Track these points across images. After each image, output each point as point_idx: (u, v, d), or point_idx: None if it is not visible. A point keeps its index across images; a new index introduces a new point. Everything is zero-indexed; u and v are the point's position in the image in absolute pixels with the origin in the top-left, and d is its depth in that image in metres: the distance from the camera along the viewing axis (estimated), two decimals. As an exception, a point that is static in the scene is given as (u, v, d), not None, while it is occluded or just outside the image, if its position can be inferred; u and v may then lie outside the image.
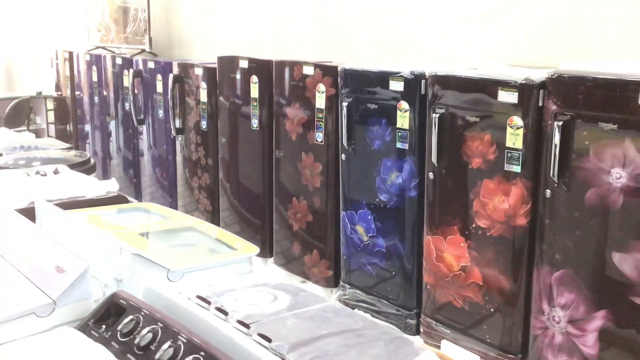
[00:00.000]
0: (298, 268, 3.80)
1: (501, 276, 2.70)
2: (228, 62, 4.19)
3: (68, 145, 3.81)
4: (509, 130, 2.55)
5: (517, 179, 2.57)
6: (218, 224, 4.53)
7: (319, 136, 3.54)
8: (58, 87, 6.94)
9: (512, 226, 2.63)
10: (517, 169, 2.56)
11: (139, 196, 5.46)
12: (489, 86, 2.61)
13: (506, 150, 2.58)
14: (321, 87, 3.48)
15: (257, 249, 2.24)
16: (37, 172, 2.94)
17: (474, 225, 2.75)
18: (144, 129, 5.25)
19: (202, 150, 4.54)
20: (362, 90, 3.22)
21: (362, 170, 3.29)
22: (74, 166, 3.19)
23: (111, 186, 2.85)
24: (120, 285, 1.94)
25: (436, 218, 2.93)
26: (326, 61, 3.86)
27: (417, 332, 3.13)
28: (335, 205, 3.55)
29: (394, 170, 3.11)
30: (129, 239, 2.23)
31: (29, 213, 2.55)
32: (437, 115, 2.80)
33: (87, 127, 6.33)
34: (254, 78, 3.96)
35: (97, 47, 6.44)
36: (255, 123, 4.01)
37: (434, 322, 3.03)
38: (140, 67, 5.18)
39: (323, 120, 3.50)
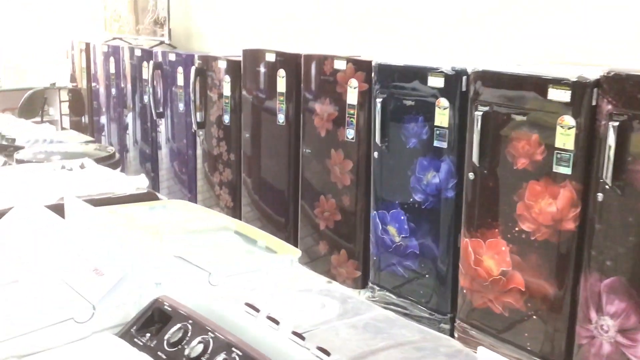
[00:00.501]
0: (324, 267, 3.69)
1: (545, 282, 2.59)
2: (253, 56, 4.08)
3: (90, 138, 3.71)
4: (559, 130, 2.44)
5: (567, 181, 2.45)
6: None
7: (350, 133, 3.43)
8: (73, 79, 6.85)
9: (559, 230, 2.51)
10: (566, 170, 2.45)
11: (156, 190, 5.36)
12: (538, 83, 2.49)
13: (555, 151, 2.46)
14: (353, 82, 3.36)
15: (298, 252, 2.14)
16: (63, 167, 2.84)
17: (517, 229, 2.64)
18: (162, 122, 5.15)
19: (224, 145, 4.44)
20: (397, 86, 3.10)
21: (395, 169, 3.18)
22: (98, 160, 3.09)
23: (140, 182, 2.75)
24: (160, 289, 1.84)
25: (475, 220, 2.82)
26: (354, 55, 3.75)
27: (451, 337, 3.02)
28: (365, 204, 3.44)
29: (431, 170, 3.00)
30: (167, 239, 2.13)
31: (58, 210, 2.45)
32: (480, 113, 2.69)
33: (103, 119, 6.23)
34: (281, 72, 3.85)
35: (114, 38, 6.34)
36: (281, 118, 3.90)
37: (469, 327, 2.92)
38: (160, 59, 5.08)
39: (354, 116, 3.39)
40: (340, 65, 3.42)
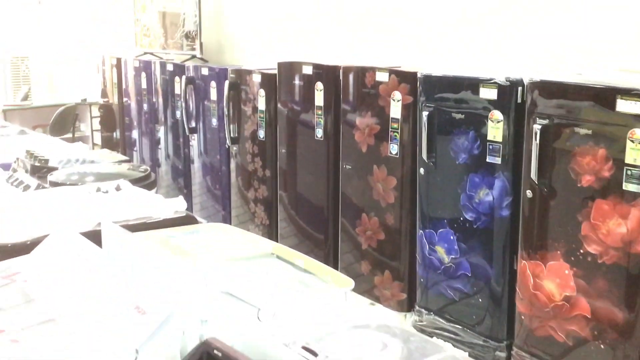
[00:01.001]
0: (366, 288, 3.52)
1: (614, 308, 2.39)
2: (289, 68, 3.95)
3: (123, 157, 3.59)
4: (629, 144, 2.25)
5: (638, 200, 2.26)
6: (275, 238, 4.29)
7: (394, 148, 3.26)
8: (104, 94, 6.79)
9: (629, 253, 2.31)
10: (637, 188, 2.25)
11: (189, 207, 5.24)
12: (605, 94, 2.31)
13: (625, 167, 2.27)
14: (397, 94, 3.20)
15: (351, 282, 1.98)
16: (99, 189, 2.72)
17: (581, 251, 2.45)
18: (195, 137, 5.04)
19: (259, 160, 4.31)
20: (445, 98, 2.94)
21: (444, 186, 3.00)
22: (133, 182, 2.97)
23: (178, 205, 2.62)
24: (205, 327, 1.70)
25: (534, 241, 2.63)
26: (395, 66, 3.59)
27: (508, 366, 2.84)
28: (410, 223, 3.27)
29: (483, 187, 2.82)
30: (210, 270, 1.99)
31: (95, 237, 2.33)
32: (539, 126, 2.51)
33: (135, 135, 6.16)
34: (319, 85, 3.71)
35: (145, 53, 6.27)
36: (319, 133, 3.76)
37: (528, 356, 2.72)
38: (192, 73, 4.98)
39: (398, 130, 3.23)
40: (382, 77, 3.27)
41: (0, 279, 1.99)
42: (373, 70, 3.32)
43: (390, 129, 3.26)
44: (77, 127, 7.63)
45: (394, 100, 3.22)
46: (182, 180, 5.33)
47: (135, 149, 6.20)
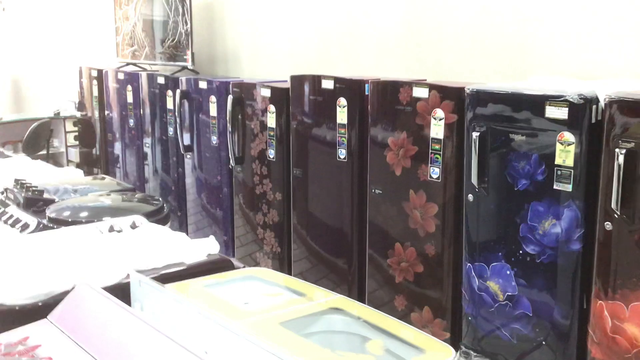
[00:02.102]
0: (398, 325, 3.18)
1: None
2: (305, 82, 3.60)
3: (128, 186, 3.18)
4: None
5: None
6: (289, 268, 3.93)
7: (435, 172, 2.94)
8: (82, 107, 6.33)
9: None
10: None
11: (183, 228, 4.85)
12: None
13: None
14: (439, 112, 2.88)
15: (451, 351, 1.65)
16: (112, 228, 2.33)
17: (677, 292, 2.16)
18: (190, 156, 4.64)
19: (269, 182, 3.94)
20: (500, 117, 2.62)
21: (498, 214, 2.69)
22: (147, 216, 2.58)
23: (210, 247, 2.25)
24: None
25: (614, 279, 2.33)
26: (420, 80, 3.28)
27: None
28: (455, 255, 2.95)
29: (549, 217, 2.51)
30: (267, 334, 1.63)
31: (122, 291, 1.94)
32: (623, 150, 2.21)
33: (118, 151, 5.72)
34: (342, 100, 3.36)
35: (128, 64, 5.84)
36: (342, 153, 3.41)
37: (604, 407, 2.42)
38: (187, 87, 4.58)
39: (440, 152, 2.90)
40: (421, 93, 2.94)
41: (17, 357, 1.60)
42: (409, 85, 2.99)
43: (430, 151, 2.94)
44: (51, 143, 7.12)
45: (435, 118, 2.90)
46: (175, 200, 4.92)
47: (117, 165, 5.75)
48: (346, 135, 3.38)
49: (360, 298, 3.47)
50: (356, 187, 3.41)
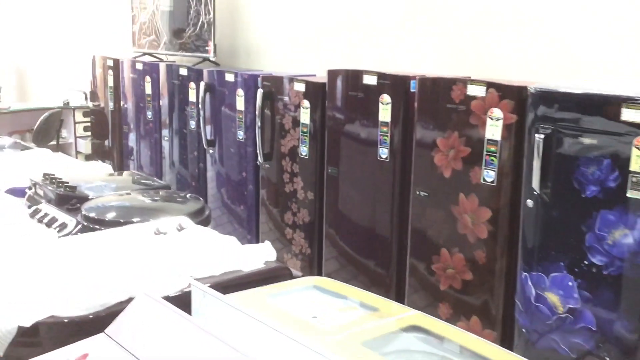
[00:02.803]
0: (440, 334, 3.04)
1: None
2: (344, 77, 3.43)
3: (162, 183, 2.99)
4: None
5: None
6: (318, 269, 3.78)
7: (489, 175, 2.79)
8: (95, 97, 6.14)
9: None
10: None
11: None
12: None
13: None
14: (496, 112, 2.73)
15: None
16: (158, 231, 2.17)
17: None
18: (213, 151, 4.48)
19: (300, 181, 3.78)
20: (568, 118, 2.47)
21: (562, 222, 2.53)
22: (189, 217, 2.42)
23: (267, 253, 2.09)
24: None
25: (693, 295, 2.19)
26: (464, 76, 3.13)
27: None
28: (509, 262, 2.80)
29: (620, 227, 2.36)
30: (352, 355, 1.48)
31: (182, 301, 1.78)
32: None
33: (132, 143, 5.53)
34: (385, 97, 3.20)
35: (144, 54, 5.66)
36: (383, 152, 3.25)
37: None
38: (210, 79, 4.41)
39: (497, 154, 2.75)
40: (476, 91, 2.79)
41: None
42: (463, 82, 2.84)
43: (485, 152, 2.79)
44: (60, 134, 6.94)
45: (491, 118, 2.74)
46: (198, 193, 4.74)
47: (132, 157, 5.57)
48: (388, 134, 3.23)
49: (399, 302, 3.32)
50: (397, 189, 3.25)
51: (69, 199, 2.54)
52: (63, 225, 2.23)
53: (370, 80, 3.27)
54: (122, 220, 2.31)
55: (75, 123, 6.90)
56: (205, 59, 4.97)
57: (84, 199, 2.58)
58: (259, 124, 3.92)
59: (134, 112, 5.40)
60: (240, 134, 4.19)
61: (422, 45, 3.72)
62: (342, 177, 3.51)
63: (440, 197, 3.00)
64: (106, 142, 6.07)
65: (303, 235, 3.82)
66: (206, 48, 4.93)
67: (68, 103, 6.89)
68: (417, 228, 3.14)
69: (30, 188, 2.76)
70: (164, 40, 5.36)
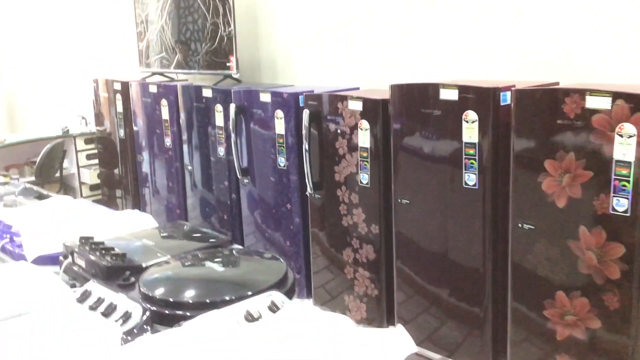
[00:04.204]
0: (556, 390, 2.57)
1: None
2: (416, 92, 2.94)
3: (221, 236, 2.45)
4: None
5: None
6: (389, 313, 3.30)
7: (620, 204, 2.31)
8: (100, 123, 5.61)
9: None
10: None
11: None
12: None
13: None
14: (628, 128, 2.25)
15: None
16: (250, 315, 1.67)
17: None
18: (249, 181, 3.97)
19: (361, 213, 3.29)
20: None
21: None
22: (276, 288, 1.92)
23: (403, 342, 1.59)
24: None
25: None
26: (576, 85, 2.66)
27: None
28: (651, 307, 2.34)
29: None
30: None
31: None
32: None
33: (146, 172, 5.01)
34: (470, 114, 2.72)
35: (153, 74, 5.15)
36: (470, 179, 2.77)
37: None
38: (241, 100, 3.91)
39: (629, 179, 2.28)
40: (599, 103, 2.31)
41: None
42: (580, 93, 2.36)
43: (613, 177, 2.31)
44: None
45: (621, 136, 2.27)
46: (229, 231, 4.24)
47: (146, 185, 5.04)
48: (476, 157, 2.74)
49: (497, 353, 2.85)
50: (489, 220, 2.77)
51: (121, 271, 2.03)
52: (126, 316, 1.73)
53: (449, 94, 2.79)
54: (201, 301, 1.80)
55: (77, 152, 6.35)
56: (227, 77, 4.46)
57: (138, 269, 2.07)
58: (307, 147, 3.43)
59: (147, 139, 4.88)
60: (282, 161, 3.69)
61: (491, 50, 3.25)
62: (416, 208, 3.03)
63: (552, 231, 2.52)
64: (116, 171, 5.55)
65: (367, 274, 3.33)
66: (227, 64, 4.42)
67: (67, 130, 6.34)
68: (520, 267, 2.65)
69: (65, 256, 2.25)
70: (177, 57, 4.85)
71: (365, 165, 3.23)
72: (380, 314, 3.33)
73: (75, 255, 2.21)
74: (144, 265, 2.12)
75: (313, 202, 3.55)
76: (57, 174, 5.97)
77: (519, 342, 2.71)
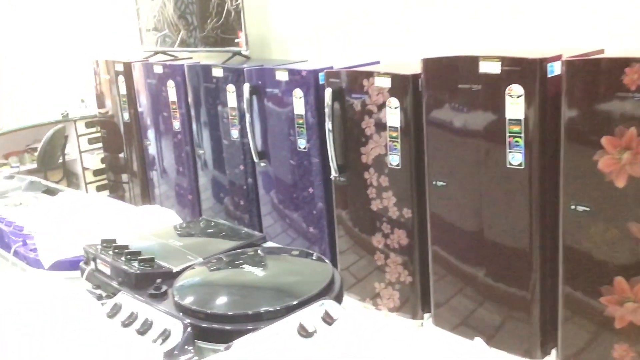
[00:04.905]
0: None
1: None
2: (452, 66, 2.72)
3: (255, 233, 2.25)
4: None
5: None
6: (424, 300, 3.13)
7: (690, 182, 2.12)
8: (101, 105, 5.36)
9: None
10: None
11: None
12: None
13: None
14: (699, 100, 2.06)
15: None
16: (304, 329, 1.49)
17: None
18: (267, 165, 3.77)
19: (392, 196, 3.09)
20: None
21: None
22: (325, 294, 1.73)
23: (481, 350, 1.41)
24: None
25: None
26: (587, 52, 2.46)
27: None
28: None
29: None
30: None
31: None
32: None
33: (152, 153, 4.79)
34: (515, 89, 2.51)
35: (156, 53, 4.90)
36: (515, 158, 2.57)
37: None
38: (256, 79, 3.68)
39: (701, 155, 2.08)
40: (665, 74, 2.11)
41: None
42: (642, 63, 2.15)
43: (681, 154, 2.12)
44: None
45: (691, 108, 2.07)
46: (246, 216, 4.04)
47: (155, 168, 4.82)
48: (522, 135, 2.54)
49: (547, 335, 2.68)
50: (536, 202, 2.58)
51: (152, 279, 1.84)
52: (165, 334, 1.54)
53: (490, 67, 2.57)
54: (246, 314, 1.62)
55: (78, 136, 6.11)
56: (236, 54, 4.22)
57: (168, 275, 1.88)
58: (330, 127, 3.21)
59: (153, 121, 4.65)
60: (302, 143, 3.49)
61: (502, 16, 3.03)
62: (453, 190, 2.83)
63: (610, 213, 2.33)
64: (121, 155, 5.32)
65: (400, 260, 3.15)
66: (236, 40, 4.18)
67: (67, 115, 6.09)
68: (573, 250, 2.47)
69: (86, 262, 2.06)
70: (180, 35, 4.60)
71: (395, 145, 3.02)
72: (414, 300, 3.15)
73: (97, 260, 2.01)
74: (174, 270, 1.93)
75: (337, 185, 3.36)
76: (60, 160, 5.75)
77: (571, 329, 2.54)
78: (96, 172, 6.04)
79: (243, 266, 1.89)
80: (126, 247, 2.01)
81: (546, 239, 2.62)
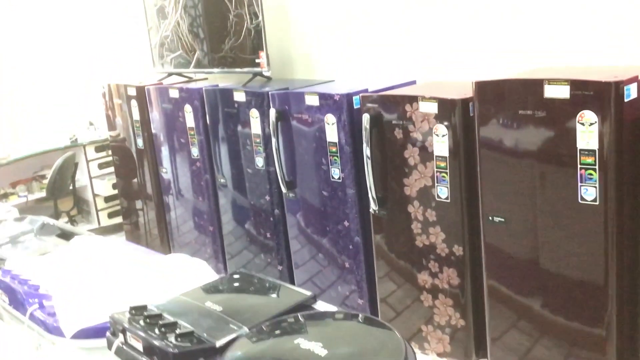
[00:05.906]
0: None
1: None
2: (511, 89, 2.44)
3: (304, 292, 1.96)
4: None
5: None
6: (478, 346, 2.84)
7: None
8: (112, 128, 5.09)
9: None
10: None
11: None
12: None
13: None
14: None
15: None
16: None
17: None
18: (295, 196, 3.49)
19: (440, 232, 2.81)
20: None
21: None
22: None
23: None
24: None
25: None
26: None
27: None
28: None
29: None
30: None
31: None
32: None
33: (168, 184, 4.52)
34: (587, 115, 2.23)
35: (169, 75, 4.64)
36: (589, 193, 2.29)
37: None
38: (280, 103, 3.41)
39: None
40: None
41: None
42: None
43: None
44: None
45: None
46: (276, 251, 3.75)
47: (170, 192, 4.54)
48: (596, 167, 2.26)
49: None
50: (612, 240, 2.30)
51: (191, 357, 1.57)
52: None
53: (557, 91, 2.29)
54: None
55: (88, 162, 5.84)
56: (257, 74, 3.95)
57: (211, 351, 1.60)
58: (369, 154, 2.94)
59: (169, 148, 4.38)
60: (336, 172, 3.21)
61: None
62: (513, 227, 2.54)
63: None
64: (134, 181, 5.04)
65: (451, 302, 2.86)
66: (256, 61, 3.91)
67: (76, 139, 5.82)
68: (658, 297, 2.19)
69: (113, 333, 1.78)
70: (196, 55, 4.33)
71: (444, 177, 2.74)
72: (468, 346, 2.87)
73: (127, 334, 1.73)
74: (217, 344, 1.65)
75: (377, 219, 3.07)
76: (70, 188, 5.49)
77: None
78: (107, 199, 5.78)
79: (298, 338, 1.60)
80: (159, 316, 1.74)
81: (624, 275, 2.33)
